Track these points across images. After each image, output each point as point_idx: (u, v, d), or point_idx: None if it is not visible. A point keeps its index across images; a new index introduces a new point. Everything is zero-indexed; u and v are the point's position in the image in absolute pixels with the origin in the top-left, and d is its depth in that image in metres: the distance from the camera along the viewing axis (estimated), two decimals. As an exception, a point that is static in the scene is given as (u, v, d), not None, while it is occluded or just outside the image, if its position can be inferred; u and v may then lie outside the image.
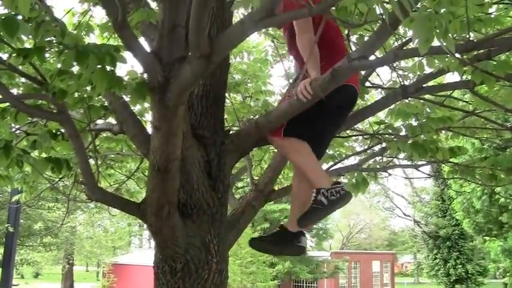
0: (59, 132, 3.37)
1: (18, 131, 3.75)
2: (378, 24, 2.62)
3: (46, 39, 2.50)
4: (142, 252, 31.57)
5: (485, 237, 19.51)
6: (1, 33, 2.26)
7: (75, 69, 2.65)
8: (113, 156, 5.78)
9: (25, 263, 27.53)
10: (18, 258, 24.46)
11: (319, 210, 2.98)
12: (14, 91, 3.48)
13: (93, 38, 4.70)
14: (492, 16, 3.91)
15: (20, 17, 2.26)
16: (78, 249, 30.25)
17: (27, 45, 2.81)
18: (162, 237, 2.91)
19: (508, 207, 17.52)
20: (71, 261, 31.11)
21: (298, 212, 3.19)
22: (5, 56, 2.67)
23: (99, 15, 5.05)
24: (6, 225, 9.70)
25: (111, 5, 2.26)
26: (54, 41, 2.54)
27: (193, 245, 3.02)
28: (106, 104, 3.30)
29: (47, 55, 2.75)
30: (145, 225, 2.97)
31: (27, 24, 2.35)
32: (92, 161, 3.90)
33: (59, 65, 2.69)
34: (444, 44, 1.91)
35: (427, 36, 1.90)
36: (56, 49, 2.56)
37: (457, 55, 2.78)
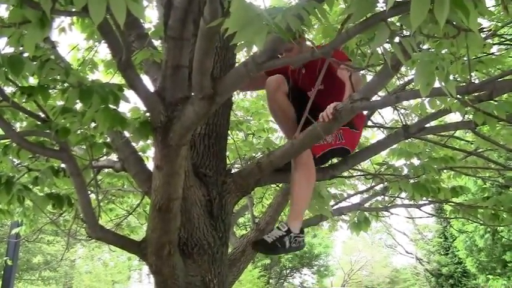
0: (60, 169, 3.37)
1: (19, 166, 3.74)
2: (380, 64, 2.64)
3: (50, 78, 2.52)
4: (142, 287, 31.18)
5: (488, 276, 19.28)
6: (6, 70, 2.27)
7: (78, 105, 2.66)
8: (114, 191, 5.77)
9: (23, 297, 27.23)
10: (16, 292, 24.19)
11: (278, 249, 3.17)
12: (17, 125, 3.49)
13: (98, 74, 4.75)
14: (493, 57, 3.94)
15: (25, 54, 2.28)
16: (77, 283, 29.92)
17: (31, 79, 2.83)
18: (162, 277, 2.88)
19: (511, 246, 17.38)
20: (69, 296, 30.76)
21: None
22: (8, 90, 2.68)
23: (104, 50, 5.10)
24: (5, 258, 9.60)
25: (116, 45, 2.28)
26: (58, 79, 2.56)
27: (194, 284, 2.99)
28: (108, 140, 3.31)
29: (50, 92, 2.76)
30: (145, 260, 2.96)
31: (32, 63, 2.36)
32: (93, 196, 3.89)
33: (62, 102, 2.69)
34: (445, 87, 1.92)
35: (428, 80, 1.90)
36: (60, 87, 2.58)
37: (458, 96, 2.79)
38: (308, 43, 3.44)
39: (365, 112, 4.16)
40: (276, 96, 3.52)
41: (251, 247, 3.27)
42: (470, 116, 3.41)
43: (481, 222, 4.74)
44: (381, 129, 4.93)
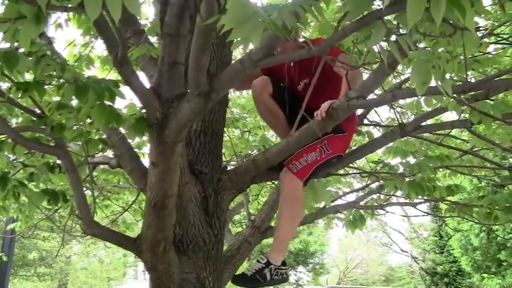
0: (56, 165, 3.36)
1: (15, 161, 3.74)
2: (376, 62, 2.65)
3: (46, 74, 2.51)
4: (137, 284, 31.22)
5: (483, 275, 19.32)
6: (1, 66, 2.27)
7: (74, 101, 2.65)
8: (109, 187, 5.76)
9: (18, 293, 27.20)
10: (11, 288, 24.17)
11: (258, 282, 3.14)
12: (13, 121, 3.48)
13: (94, 71, 4.74)
14: (490, 56, 3.94)
15: (21, 50, 2.28)
16: (73, 279, 29.94)
17: (27, 75, 2.83)
18: (157, 274, 2.88)
19: (506, 245, 17.42)
20: (64, 292, 30.75)
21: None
22: (4, 86, 2.68)
23: (100, 47, 5.09)
24: (0, 254, 9.58)
25: (112, 41, 2.27)
26: (54, 75, 2.55)
27: (189, 281, 3.00)
28: (104, 136, 3.30)
29: (46, 87, 2.75)
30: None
31: (27, 58, 2.36)
32: (88, 192, 3.89)
33: (58, 98, 2.69)
34: (441, 86, 1.92)
35: (424, 79, 1.91)
36: (56, 83, 2.57)
37: (455, 95, 2.79)
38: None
39: (361, 110, 4.17)
40: (262, 98, 3.54)
41: (231, 281, 3.25)
42: (466, 115, 3.41)
43: (476, 221, 4.74)
44: (377, 127, 4.93)
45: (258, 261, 3.18)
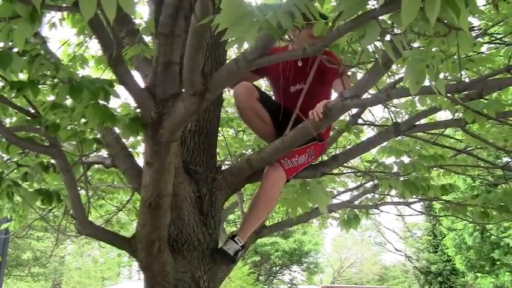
0: (50, 165, 3.36)
1: (9, 161, 3.73)
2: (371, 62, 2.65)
3: (40, 73, 2.50)
4: (131, 284, 31.17)
5: (477, 274, 19.38)
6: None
7: (68, 101, 2.65)
8: (104, 187, 5.74)
9: (12, 293, 27.11)
10: (5, 289, 24.10)
11: (234, 261, 3.25)
12: (7, 120, 3.47)
13: (88, 70, 4.72)
14: (483, 55, 3.96)
15: (15, 49, 2.27)
16: (67, 279, 29.87)
17: (21, 74, 2.81)
18: (152, 273, 2.88)
19: (499, 244, 17.49)
20: (59, 292, 30.68)
21: None
22: (-2, 86, 2.67)
23: (95, 46, 5.07)
24: (-6, 254, 9.55)
25: (106, 41, 2.27)
26: (48, 74, 2.54)
27: (184, 281, 2.99)
28: (98, 136, 3.29)
29: (40, 87, 2.74)
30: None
31: (20, 57, 2.35)
32: (83, 192, 3.88)
33: (52, 98, 2.68)
34: (435, 85, 1.93)
35: (418, 78, 1.91)
36: (50, 83, 2.56)
37: (448, 95, 2.80)
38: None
39: (355, 110, 4.18)
40: (251, 104, 3.54)
41: (209, 255, 3.28)
42: (460, 114, 3.42)
43: (470, 220, 4.76)
44: (372, 126, 4.94)
45: (235, 241, 3.22)
